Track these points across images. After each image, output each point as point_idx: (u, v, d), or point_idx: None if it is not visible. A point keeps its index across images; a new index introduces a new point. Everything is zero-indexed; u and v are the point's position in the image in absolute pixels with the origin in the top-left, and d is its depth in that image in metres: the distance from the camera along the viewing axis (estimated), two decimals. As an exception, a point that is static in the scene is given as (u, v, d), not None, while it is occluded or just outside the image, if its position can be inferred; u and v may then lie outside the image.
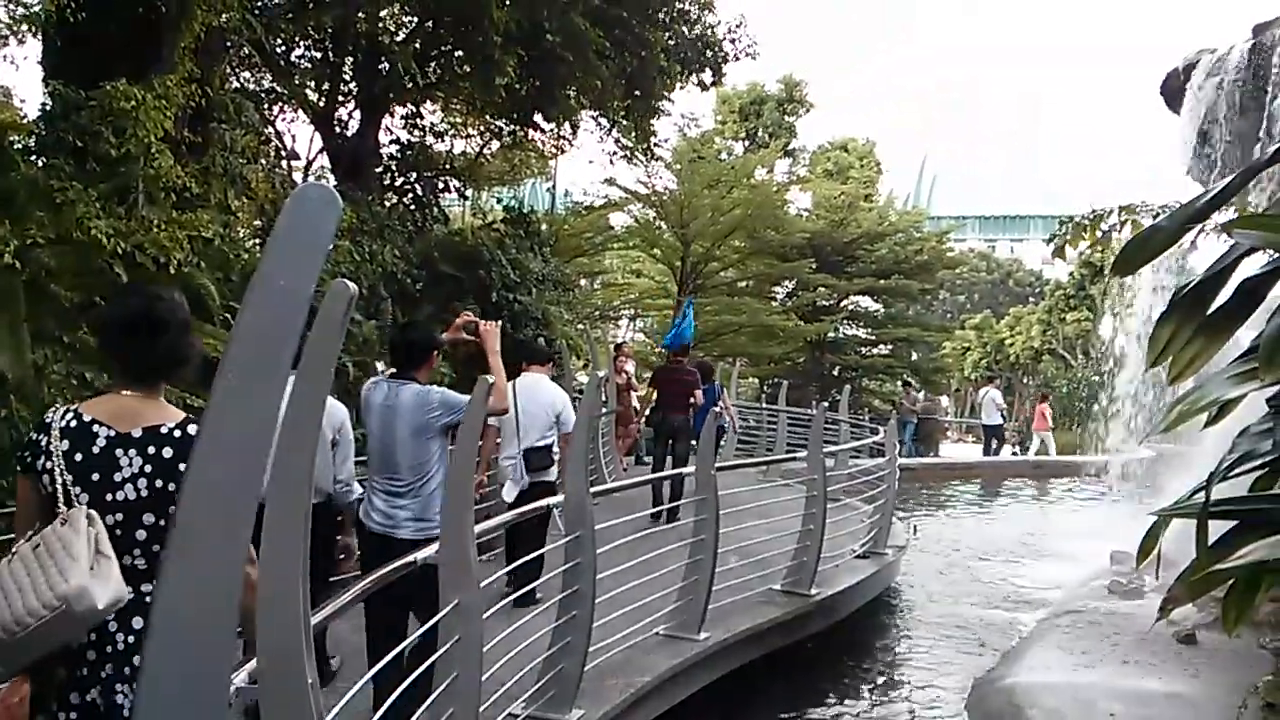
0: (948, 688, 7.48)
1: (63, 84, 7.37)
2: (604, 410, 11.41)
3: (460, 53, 14.34)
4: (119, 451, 2.53)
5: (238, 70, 14.57)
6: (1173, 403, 3.18)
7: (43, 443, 2.53)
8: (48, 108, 7.52)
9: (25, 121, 7.75)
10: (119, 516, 2.50)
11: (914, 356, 34.45)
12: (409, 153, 16.02)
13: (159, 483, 2.52)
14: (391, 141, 16.10)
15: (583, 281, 26.58)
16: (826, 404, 12.87)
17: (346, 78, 15.22)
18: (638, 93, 16.25)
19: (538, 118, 16.57)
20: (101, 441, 2.53)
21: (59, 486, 2.47)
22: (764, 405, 19.93)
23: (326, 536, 4.97)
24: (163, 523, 2.53)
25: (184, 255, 7.29)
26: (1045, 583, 10.72)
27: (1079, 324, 35.30)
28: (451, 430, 4.60)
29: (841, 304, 32.81)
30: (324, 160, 15.66)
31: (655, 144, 19.29)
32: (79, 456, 2.51)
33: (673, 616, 6.54)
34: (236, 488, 1.44)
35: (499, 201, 20.60)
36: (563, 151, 19.63)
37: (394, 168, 15.84)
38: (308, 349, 2.06)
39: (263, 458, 1.44)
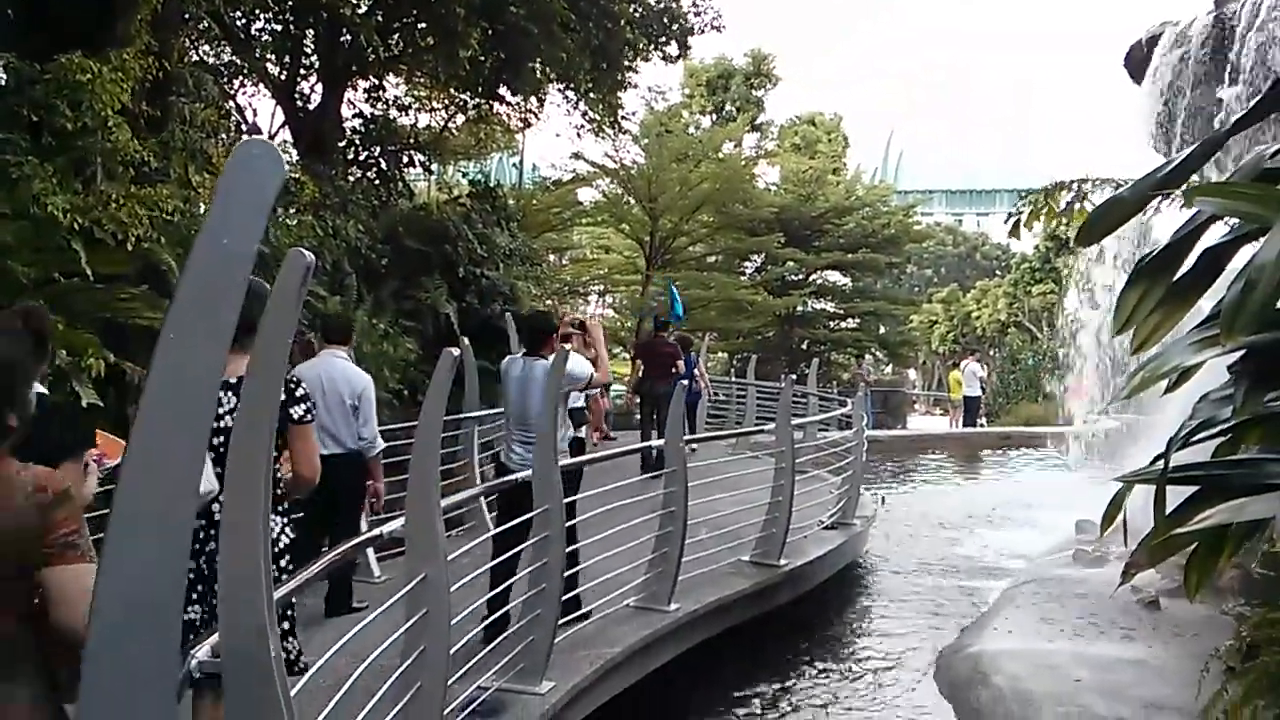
0: (914, 656, 7.57)
1: (16, 57, 7.18)
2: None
3: (423, 25, 14.13)
4: (220, 393, 2.96)
5: (197, 43, 14.30)
6: (1134, 370, 3.21)
7: None
8: (1, 82, 7.35)
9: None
10: (220, 439, 3.36)
11: (882, 330, 34.58)
12: (372, 127, 15.80)
13: None
14: (354, 115, 15.86)
15: (551, 257, 26.44)
16: (795, 377, 12.91)
17: (308, 50, 14.97)
18: (604, 65, 16.11)
19: (503, 91, 16.41)
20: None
21: None
22: (733, 379, 19.99)
23: (353, 484, 6.05)
24: None
25: (143, 231, 7.15)
26: (1011, 552, 10.87)
27: (1045, 297, 35.54)
28: (562, 394, 5.71)
29: (810, 278, 32.86)
30: (286, 134, 15.41)
31: (622, 117, 19.17)
32: None
33: (643, 588, 6.58)
34: (179, 449, 1.41)
35: (465, 176, 20.43)
36: (529, 125, 19.48)
37: (357, 142, 15.61)
38: (265, 319, 2.03)
39: (206, 417, 1.42)
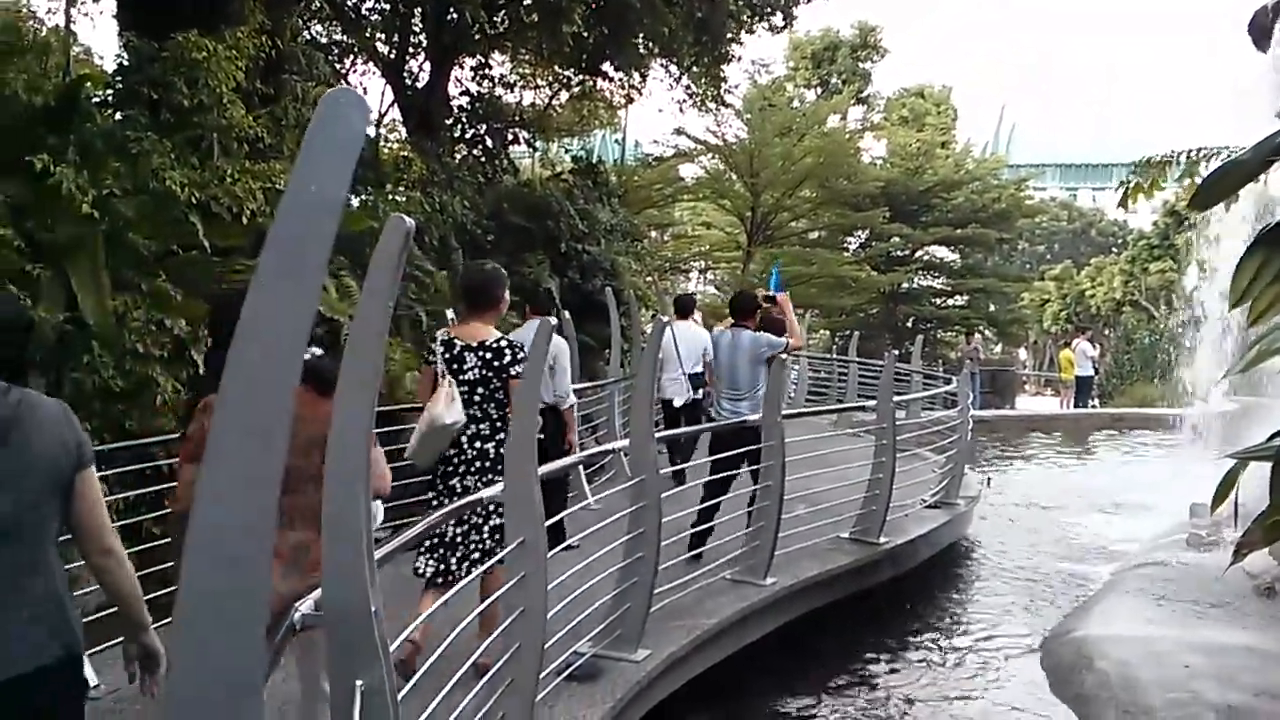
0: (1017, 639, 7.41)
1: (136, 36, 7.47)
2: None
3: (528, 1, 14.25)
4: (466, 354, 4.68)
5: (308, 22, 14.66)
6: (1251, 343, 3.07)
7: (434, 349, 4.70)
8: (122, 60, 7.65)
9: (102, 74, 7.90)
10: (465, 388, 4.60)
11: (991, 308, 33.73)
12: (478, 104, 16.01)
13: (483, 371, 4.67)
14: (461, 93, 16.11)
15: (652, 233, 26.45)
16: (898, 353, 12.68)
17: (416, 29, 15.22)
18: (707, 39, 15.99)
19: (606, 66, 16.42)
20: (457, 348, 4.69)
21: (439, 370, 4.61)
22: (834, 356, 19.74)
23: (553, 431, 6.59)
24: (482, 390, 4.68)
25: (257, 205, 7.39)
26: (1122, 536, 10.52)
27: (1163, 274, 34.21)
28: (768, 360, 7.10)
29: (916, 254, 32.21)
30: (395, 113, 15.73)
31: (725, 91, 19.01)
32: (448, 355, 4.67)
33: (739, 561, 6.56)
34: (268, 395, 1.44)
35: (568, 153, 20.54)
36: (631, 101, 19.45)
37: (464, 120, 15.85)
38: (367, 280, 2.09)
39: (295, 361, 1.44)
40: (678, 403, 9.47)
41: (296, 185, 1.44)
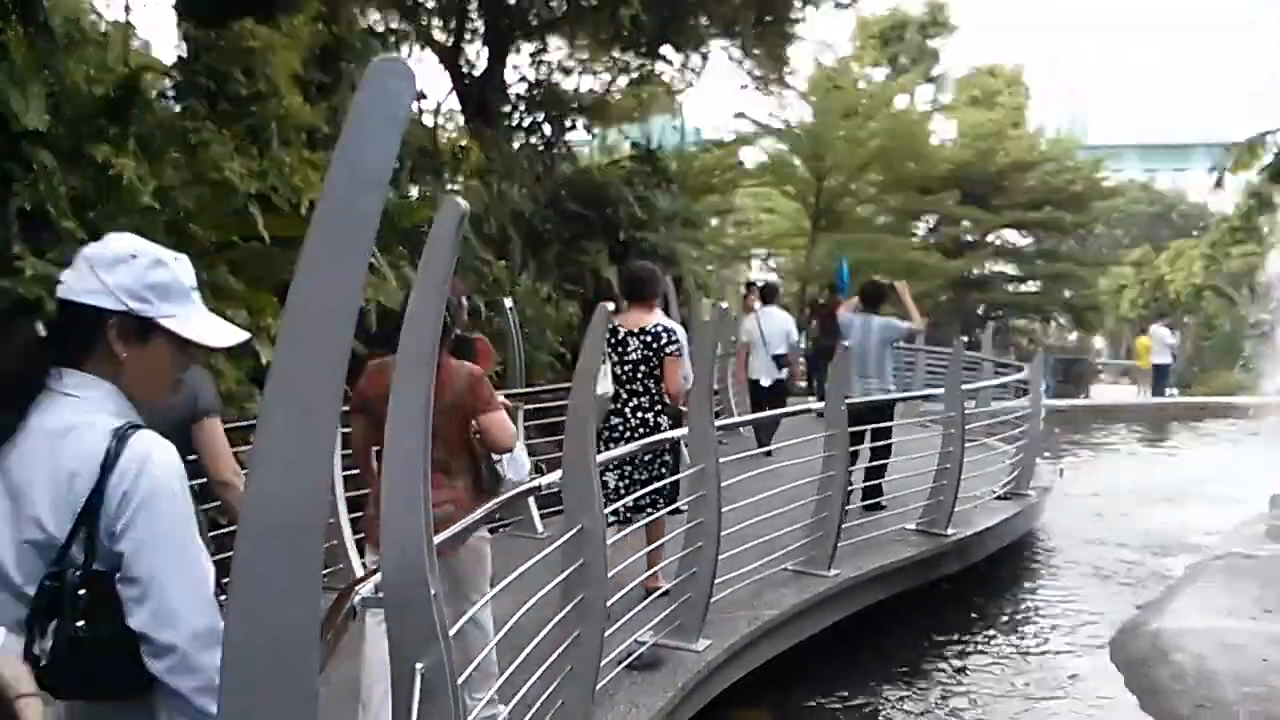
0: (1089, 632, 7.20)
1: (194, 25, 7.53)
2: (733, 340, 11.41)
3: (586, -17, 14.17)
4: (629, 338, 5.59)
5: (364, 10, 14.72)
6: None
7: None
8: (181, 52, 7.72)
9: (160, 65, 7.97)
10: (629, 367, 5.56)
11: (1066, 294, 32.87)
12: (536, 92, 15.97)
13: (644, 352, 5.55)
14: (519, 80, 16.07)
15: (713, 220, 26.23)
16: (967, 339, 12.44)
17: (472, 15, 15.21)
18: (770, 18, 15.76)
19: (665, 49, 16.28)
20: (621, 333, 5.60)
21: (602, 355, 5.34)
22: (901, 344, 19.41)
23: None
24: (644, 369, 5.56)
25: (316, 195, 7.40)
26: (1198, 527, 10.17)
27: (1246, 259, 33.09)
28: (890, 342, 8.42)
29: (987, 238, 31.54)
30: (453, 101, 15.77)
31: (788, 73, 18.75)
32: (612, 340, 5.56)
33: (802, 552, 6.45)
34: (318, 369, 1.41)
35: (626, 139, 20.42)
36: (691, 86, 19.29)
37: (521, 107, 15.81)
38: (422, 263, 2.07)
39: (346, 335, 1.40)
40: (765, 382, 10.58)
41: (343, 158, 1.40)
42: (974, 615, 7.66)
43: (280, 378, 1.43)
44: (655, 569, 5.28)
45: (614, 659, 4.40)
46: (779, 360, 10.48)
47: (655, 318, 5.67)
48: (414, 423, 2.08)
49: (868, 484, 7.86)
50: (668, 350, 5.56)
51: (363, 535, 4.49)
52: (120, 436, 1.70)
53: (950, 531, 7.58)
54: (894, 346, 8.76)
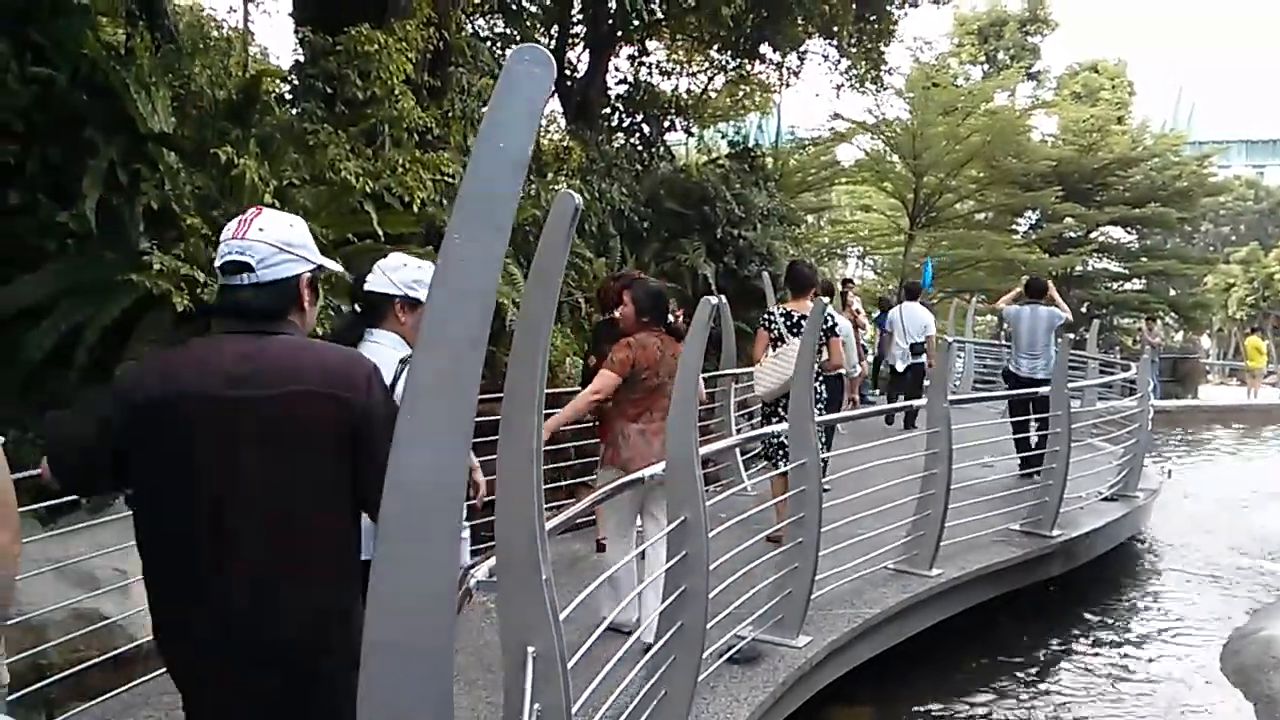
0: (1199, 637, 7.02)
1: (311, 30, 7.79)
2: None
3: (687, -15, 14.21)
4: (802, 321, 6.42)
5: (471, 16, 15.03)
6: None
7: (773, 317, 6.86)
8: (298, 56, 7.99)
9: (278, 70, 8.27)
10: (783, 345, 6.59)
11: (1171, 292, 31.82)
12: (635, 92, 16.10)
13: (787, 331, 6.70)
14: (618, 82, 16.23)
15: (809, 218, 26.02)
16: (1073, 337, 12.24)
17: (575, 19, 15.41)
18: (869, 16, 15.62)
19: (764, 49, 16.25)
20: (795, 317, 6.74)
21: (779, 334, 6.73)
22: (1003, 342, 19.05)
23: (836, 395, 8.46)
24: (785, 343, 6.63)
25: (427, 194, 7.62)
26: (1316, 532, 9.80)
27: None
28: (1054, 328, 9.69)
29: (1090, 235, 30.66)
30: (555, 103, 15.97)
31: (886, 71, 18.52)
32: (787, 323, 6.75)
33: (903, 551, 6.41)
34: (462, 343, 1.49)
35: (723, 138, 20.40)
36: (788, 85, 19.21)
37: (621, 108, 15.96)
38: (538, 254, 2.12)
39: (486, 314, 1.49)
40: (900, 367, 12.36)
41: (485, 142, 1.49)
42: (1080, 618, 7.51)
43: (426, 347, 1.52)
44: (784, 523, 5.43)
45: (714, 651, 4.44)
46: (915, 349, 12.12)
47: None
48: (527, 411, 2.10)
49: (1030, 454, 8.80)
50: (833, 331, 6.88)
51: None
52: (403, 361, 2.92)
53: (1056, 532, 7.44)
54: (1055, 333, 9.84)
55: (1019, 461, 9.14)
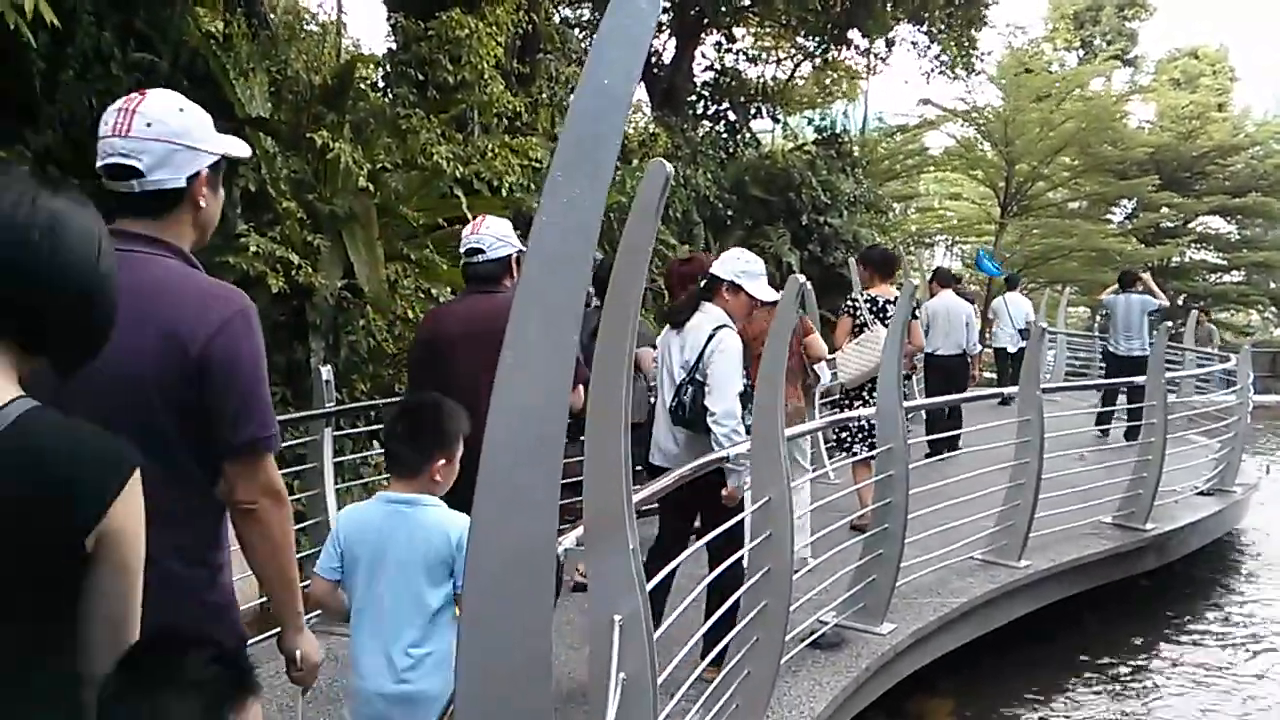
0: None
1: (404, 15, 7.92)
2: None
3: (776, -30, 14.12)
4: (888, 305, 6.61)
5: (560, 4, 15.14)
6: None
7: (857, 303, 6.86)
8: (390, 44, 8.14)
9: (371, 57, 8.43)
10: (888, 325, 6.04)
11: (1272, 285, 30.61)
12: (722, 79, 16.05)
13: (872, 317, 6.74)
14: (705, 69, 16.20)
15: (896, 206, 25.64)
16: (1171, 326, 12.03)
17: (662, 7, 15.40)
18: (958, 1, 15.32)
19: (851, 34, 16.06)
20: (880, 301, 6.79)
21: (864, 320, 6.69)
22: (1096, 334, 18.60)
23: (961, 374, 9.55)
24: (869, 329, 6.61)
25: (515, 179, 7.72)
26: None
27: None
28: (1148, 311, 10.95)
29: (1188, 225, 29.67)
30: (641, 90, 16.00)
31: (977, 57, 18.14)
32: (873, 307, 6.77)
33: (991, 541, 6.30)
34: (563, 284, 1.50)
35: (810, 123, 20.20)
36: (875, 71, 18.97)
37: (707, 95, 15.93)
38: (629, 224, 2.12)
39: (588, 252, 1.50)
40: (1011, 349, 13.14)
41: (588, 80, 1.49)
42: (1172, 615, 7.31)
43: (528, 290, 1.54)
44: (867, 508, 5.47)
45: (796, 636, 4.43)
46: (1023, 333, 12.84)
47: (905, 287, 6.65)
48: (616, 378, 2.08)
49: (1131, 424, 9.51)
50: (914, 315, 7.07)
51: None
52: (717, 328, 4.14)
53: (1149, 526, 7.24)
54: (1150, 316, 10.94)
55: (1124, 431, 9.85)
